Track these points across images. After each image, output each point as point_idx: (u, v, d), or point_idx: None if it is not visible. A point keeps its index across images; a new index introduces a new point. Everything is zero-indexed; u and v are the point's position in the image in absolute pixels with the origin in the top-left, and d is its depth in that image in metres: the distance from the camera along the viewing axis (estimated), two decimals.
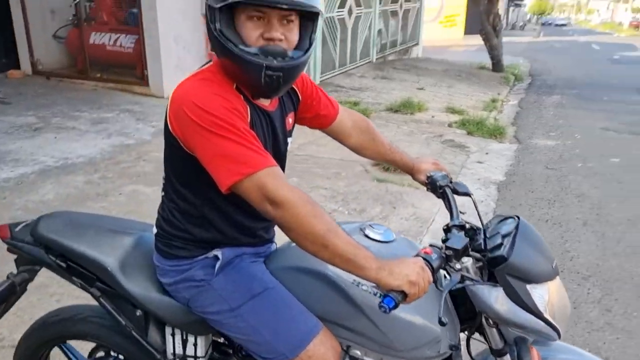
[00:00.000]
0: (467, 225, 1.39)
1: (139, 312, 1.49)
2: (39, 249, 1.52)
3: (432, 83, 10.12)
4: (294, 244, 1.29)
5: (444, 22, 27.73)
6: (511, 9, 53.78)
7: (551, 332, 1.32)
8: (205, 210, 1.38)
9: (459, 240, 1.29)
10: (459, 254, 1.26)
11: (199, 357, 1.53)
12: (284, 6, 1.19)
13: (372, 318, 1.35)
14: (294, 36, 1.28)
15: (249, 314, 1.37)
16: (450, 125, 6.75)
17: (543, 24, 60.69)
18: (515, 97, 9.95)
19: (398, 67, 11.86)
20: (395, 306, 1.14)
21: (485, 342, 1.44)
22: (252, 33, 1.23)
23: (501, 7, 41.48)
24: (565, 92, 10.53)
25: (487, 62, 12.79)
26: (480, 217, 1.51)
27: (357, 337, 1.39)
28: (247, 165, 1.17)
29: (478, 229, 1.42)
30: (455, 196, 1.57)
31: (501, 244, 1.32)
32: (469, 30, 24.43)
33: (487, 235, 1.39)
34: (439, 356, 1.39)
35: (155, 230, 1.47)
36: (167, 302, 1.46)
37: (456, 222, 1.39)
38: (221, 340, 1.59)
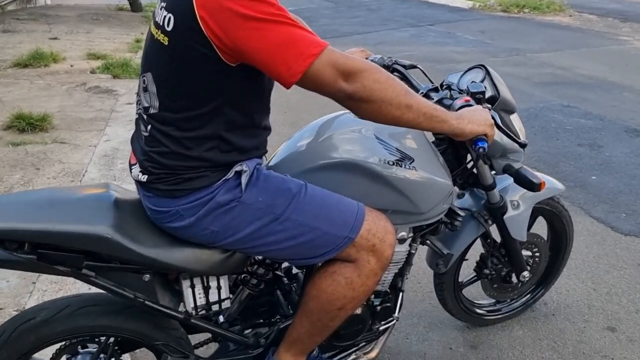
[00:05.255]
0: (438, 85, 1.59)
1: (146, 277, 1.33)
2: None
3: (67, 30, 9.18)
4: (300, 149, 1.44)
5: None
6: None
7: (521, 150, 1.61)
8: (221, 128, 1.25)
9: (476, 86, 1.45)
10: (484, 96, 1.45)
11: (224, 300, 1.44)
12: None
13: (403, 191, 1.43)
14: None
15: (297, 214, 1.31)
16: (93, 72, 6.29)
17: None
18: None
19: (22, 17, 10.32)
20: (488, 146, 1.30)
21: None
22: None
23: None
24: None
25: (125, 3, 12.27)
26: (431, 82, 1.64)
27: (390, 215, 1.44)
28: (313, 46, 1.11)
29: (446, 85, 1.61)
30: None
31: (485, 87, 1.50)
32: None
33: (461, 86, 1.56)
34: (447, 208, 1.57)
35: (141, 177, 1.30)
36: (190, 249, 1.32)
37: (430, 87, 1.55)
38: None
